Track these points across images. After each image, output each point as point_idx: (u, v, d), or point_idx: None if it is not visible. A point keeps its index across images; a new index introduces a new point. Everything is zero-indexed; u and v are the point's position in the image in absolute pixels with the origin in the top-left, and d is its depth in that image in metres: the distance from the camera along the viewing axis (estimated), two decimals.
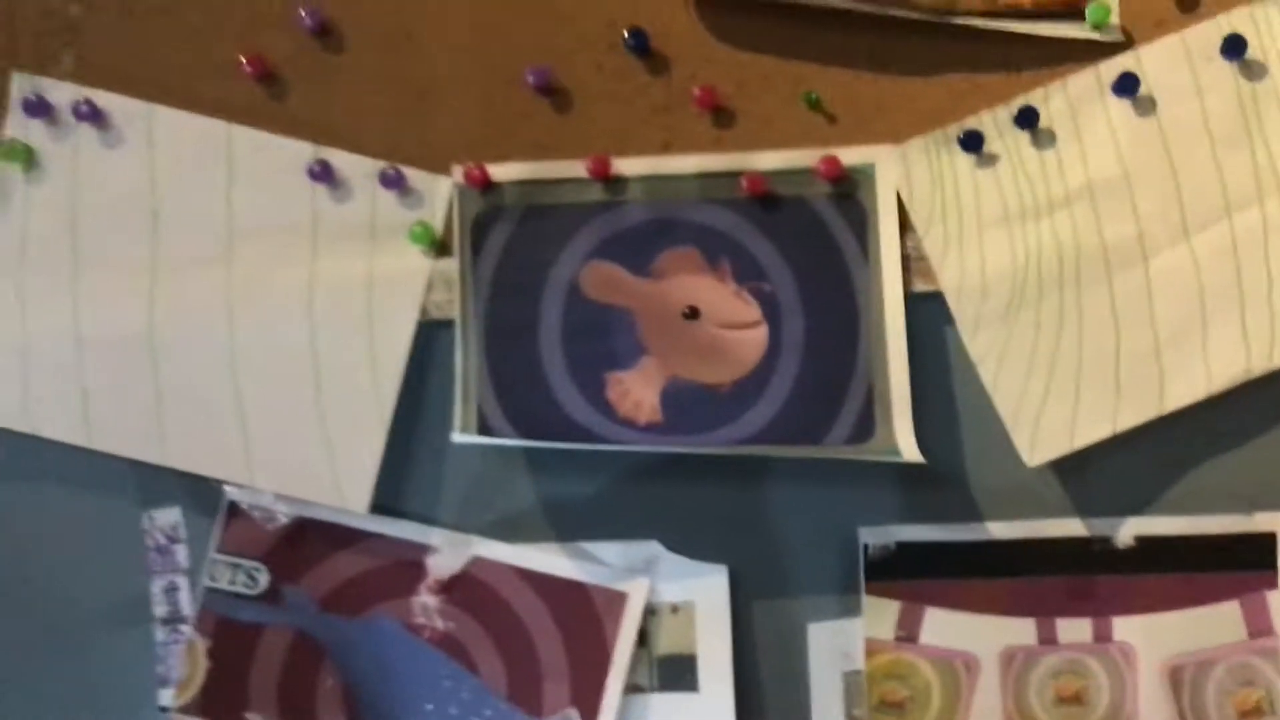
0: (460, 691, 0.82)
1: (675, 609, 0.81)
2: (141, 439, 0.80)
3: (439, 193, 0.79)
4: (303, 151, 0.79)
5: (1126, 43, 0.76)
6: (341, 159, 0.79)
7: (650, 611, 0.81)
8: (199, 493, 0.82)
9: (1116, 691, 0.79)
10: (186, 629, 0.83)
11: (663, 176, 0.79)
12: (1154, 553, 0.79)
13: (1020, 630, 0.80)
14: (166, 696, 0.83)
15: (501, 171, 0.79)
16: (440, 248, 0.80)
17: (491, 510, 0.82)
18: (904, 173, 0.77)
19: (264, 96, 0.80)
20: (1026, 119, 0.76)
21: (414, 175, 0.79)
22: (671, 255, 0.79)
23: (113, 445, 0.81)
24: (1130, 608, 0.79)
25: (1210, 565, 0.78)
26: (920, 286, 0.78)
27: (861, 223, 0.78)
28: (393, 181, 0.79)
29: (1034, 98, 0.77)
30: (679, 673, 0.81)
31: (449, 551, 0.82)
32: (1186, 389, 0.76)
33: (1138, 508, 0.79)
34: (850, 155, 0.77)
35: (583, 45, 0.79)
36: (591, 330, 0.79)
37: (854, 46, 0.78)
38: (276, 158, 0.79)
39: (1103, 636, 0.79)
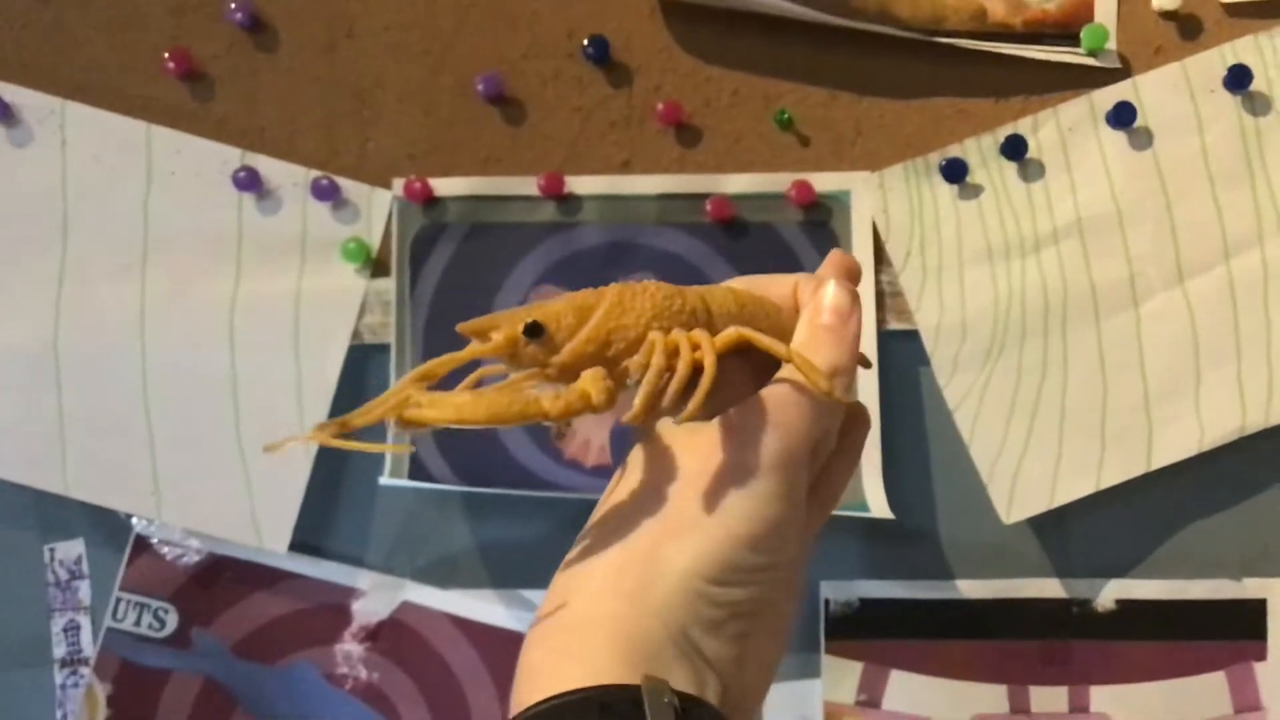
0: None
1: None
2: (41, 465, 0.74)
3: (376, 206, 0.74)
4: (228, 157, 0.73)
5: (1123, 70, 0.72)
6: (271, 166, 0.73)
7: None
8: (105, 525, 0.76)
9: None
10: (87, 672, 0.76)
11: (620, 197, 0.73)
12: (1135, 618, 0.75)
13: (991, 697, 0.75)
14: None
15: (445, 186, 0.73)
16: (376, 266, 0.74)
17: (424, 553, 0.76)
18: (881, 201, 0.73)
19: (188, 96, 0.74)
20: (1013, 148, 0.72)
21: (349, 186, 0.74)
22: None
23: (9, 471, 0.74)
24: (1108, 676, 0.75)
25: (1195, 633, 0.75)
26: (894, 324, 0.73)
27: None
28: (326, 192, 0.73)
29: (1022, 126, 0.72)
30: None
31: (376, 596, 0.76)
32: (1177, 445, 0.72)
33: (1119, 569, 0.75)
34: (824, 181, 0.73)
35: (538, 52, 0.73)
36: None
37: (831, 64, 0.72)
38: (200, 162, 0.73)
39: (1078, 706, 0.75)
